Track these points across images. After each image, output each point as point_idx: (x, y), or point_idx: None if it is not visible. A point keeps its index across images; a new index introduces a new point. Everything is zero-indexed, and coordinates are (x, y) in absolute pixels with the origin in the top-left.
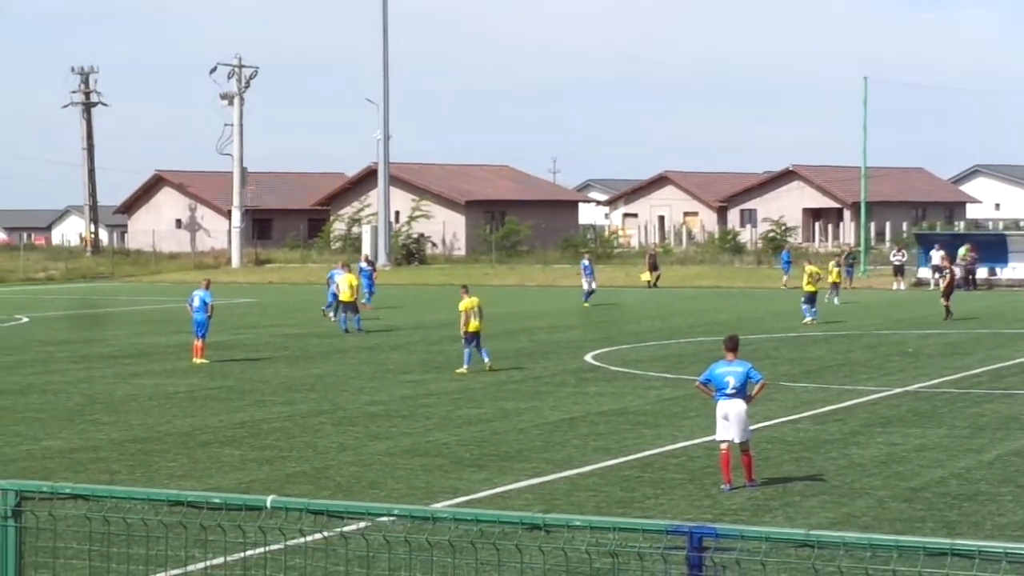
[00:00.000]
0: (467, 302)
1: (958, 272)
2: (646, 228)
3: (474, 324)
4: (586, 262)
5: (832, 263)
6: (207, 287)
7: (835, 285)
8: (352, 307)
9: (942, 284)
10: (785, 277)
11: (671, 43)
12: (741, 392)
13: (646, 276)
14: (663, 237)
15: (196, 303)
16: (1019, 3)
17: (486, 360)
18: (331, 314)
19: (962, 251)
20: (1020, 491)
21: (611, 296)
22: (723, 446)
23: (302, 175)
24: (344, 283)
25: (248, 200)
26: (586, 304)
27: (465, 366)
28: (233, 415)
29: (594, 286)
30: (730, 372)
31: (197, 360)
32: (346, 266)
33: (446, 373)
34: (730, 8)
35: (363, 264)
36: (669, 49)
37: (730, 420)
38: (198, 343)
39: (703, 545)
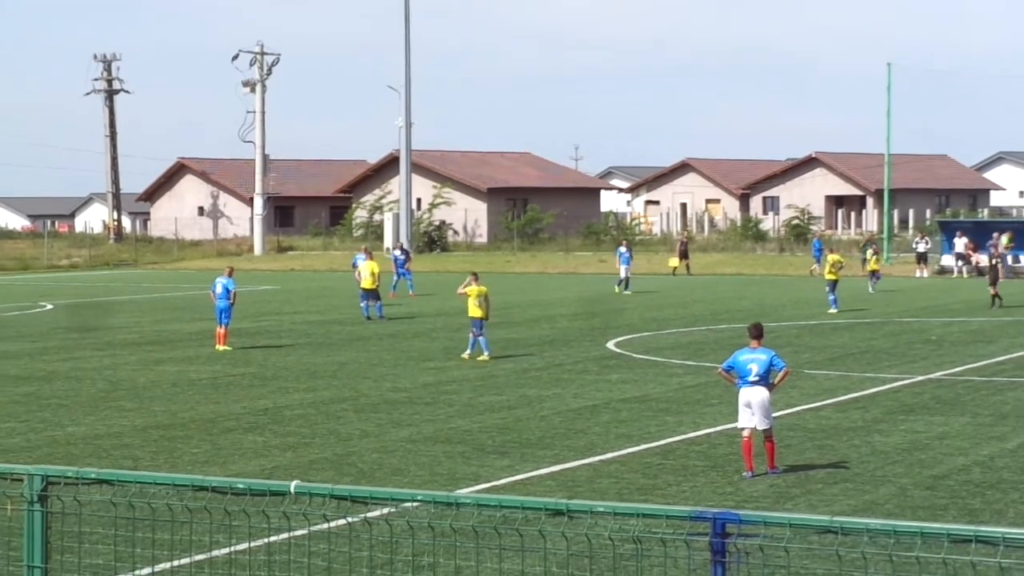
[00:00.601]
0: (472, 288)
1: (1003, 260)
2: (668, 215)
3: (476, 310)
4: (623, 249)
5: (870, 251)
6: (230, 274)
7: (874, 273)
8: (374, 294)
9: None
10: (815, 265)
11: (693, 30)
12: (764, 380)
13: (674, 263)
14: (685, 224)
15: (219, 290)
16: None
17: (485, 353)
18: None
19: (1005, 239)
20: None
21: (633, 284)
22: (745, 433)
23: (324, 162)
24: (366, 270)
25: (270, 187)
26: (619, 290)
27: (468, 351)
28: (256, 402)
29: (625, 273)
30: (753, 359)
31: (220, 347)
32: (368, 252)
33: (468, 360)
34: None
35: (396, 252)
36: (691, 36)
37: (753, 408)
38: (221, 330)
39: (726, 531)
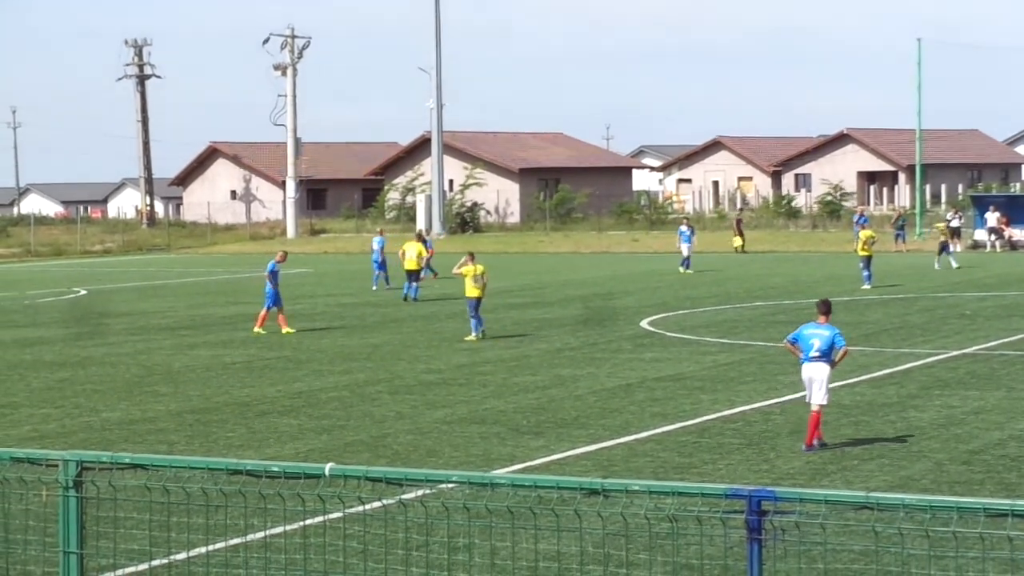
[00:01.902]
0: (468, 268)
1: None
2: (700, 194)
3: (474, 290)
4: (684, 228)
5: (942, 225)
6: (281, 260)
7: (945, 245)
8: (416, 275)
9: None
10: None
11: (724, 7)
12: (826, 356)
13: (737, 241)
14: (717, 202)
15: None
16: None
17: (479, 331)
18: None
19: None
20: None
21: (667, 262)
22: (814, 407)
23: (356, 145)
24: (412, 250)
25: (302, 170)
26: (683, 270)
27: (473, 334)
28: (290, 385)
29: (688, 251)
30: (816, 335)
31: (285, 330)
32: (419, 236)
33: (502, 341)
34: None
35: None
36: (721, 13)
37: (815, 381)
38: (281, 316)
39: (762, 509)
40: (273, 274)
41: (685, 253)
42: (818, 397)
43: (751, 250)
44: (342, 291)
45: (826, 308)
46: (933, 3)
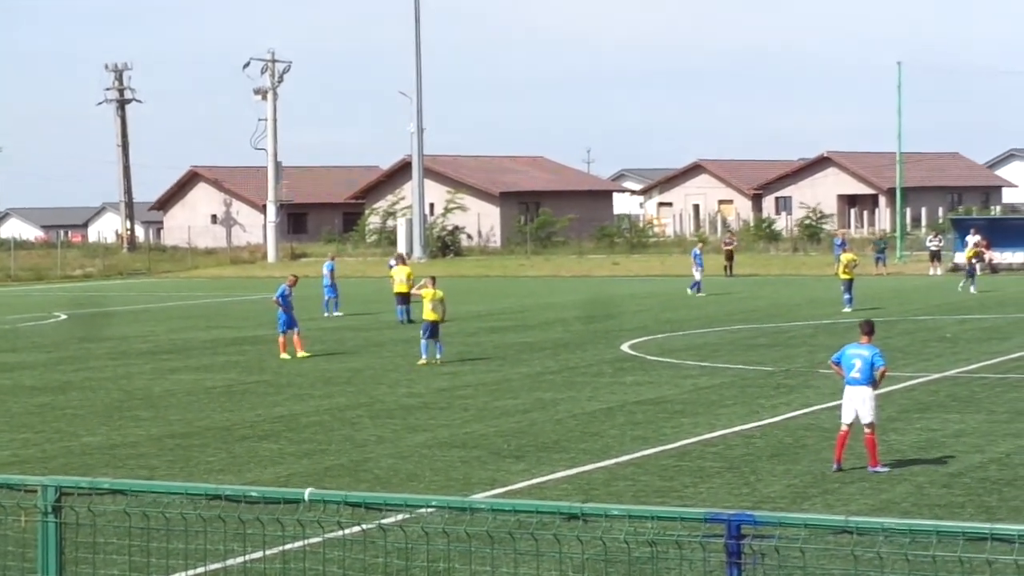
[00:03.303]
0: (428, 291)
1: None
2: (681, 217)
3: (431, 314)
4: (698, 251)
5: (971, 249)
6: (292, 284)
7: (972, 268)
8: (406, 297)
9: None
10: (837, 265)
11: (703, 31)
12: (867, 377)
13: (726, 264)
14: (698, 226)
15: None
16: None
17: (438, 355)
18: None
19: None
20: None
21: (645, 286)
22: (843, 427)
23: (337, 168)
24: (401, 273)
25: (283, 194)
26: (691, 292)
27: (423, 357)
28: (271, 409)
29: (700, 275)
30: (858, 355)
31: (301, 354)
32: (400, 257)
33: (482, 364)
34: None
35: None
36: (701, 37)
37: (855, 404)
38: (296, 338)
39: (741, 533)
40: (283, 298)
41: (697, 277)
42: (867, 416)
43: (734, 273)
44: (322, 315)
45: (868, 328)
46: (913, 26)
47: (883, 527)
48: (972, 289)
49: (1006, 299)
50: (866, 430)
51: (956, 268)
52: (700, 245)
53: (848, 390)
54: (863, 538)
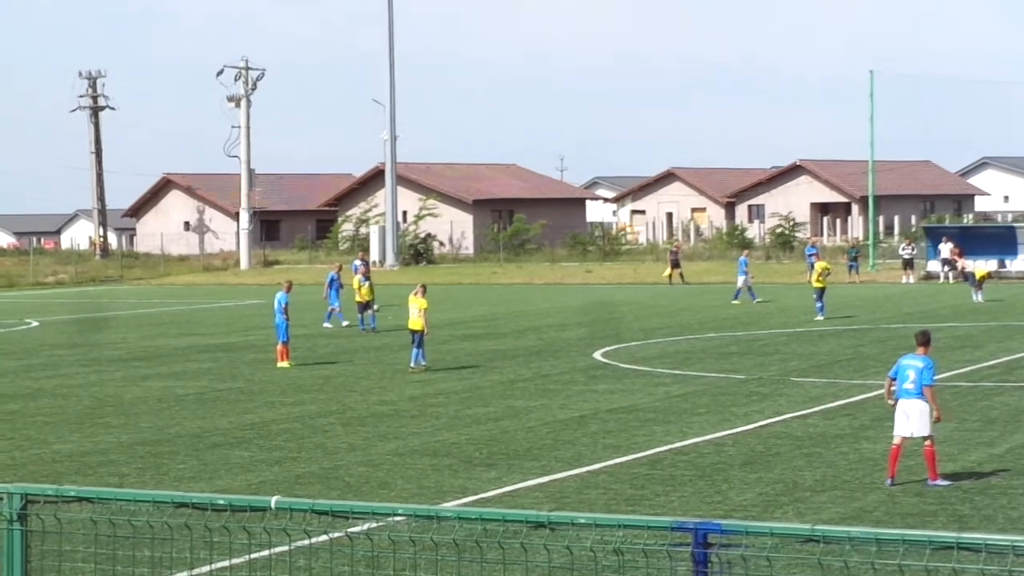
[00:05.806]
0: (418, 299)
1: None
2: (654, 225)
3: (416, 323)
4: (744, 258)
5: (982, 272)
6: (288, 289)
7: (980, 281)
8: (367, 306)
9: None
10: (810, 272)
11: (677, 39)
12: (920, 387)
13: (668, 272)
14: (671, 233)
15: (276, 306)
16: None
17: (422, 362)
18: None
19: None
20: None
21: (623, 293)
22: (896, 441)
23: (310, 176)
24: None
25: (256, 202)
26: (739, 301)
27: (412, 364)
28: (242, 416)
29: (742, 283)
30: (911, 366)
31: (280, 364)
32: (365, 262)
33: (455, 372)
34: (736, 2)
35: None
36: (674, 45)
37: (910, 417)
38: (280, 347)
39: (708, 541)
40: (287, 307)
41: (740, 284)
42: (922, 430)
43: (700, 281)
44: (294, 322)
45: (924, 339)
46: (886, 35)
47: (849, 536)
48: (979, 297)
49: (979, 308)
50: (925, 443)
51: (929, 276)
52: (747, 252)
53: (901, 403)
54: (830, 547)
